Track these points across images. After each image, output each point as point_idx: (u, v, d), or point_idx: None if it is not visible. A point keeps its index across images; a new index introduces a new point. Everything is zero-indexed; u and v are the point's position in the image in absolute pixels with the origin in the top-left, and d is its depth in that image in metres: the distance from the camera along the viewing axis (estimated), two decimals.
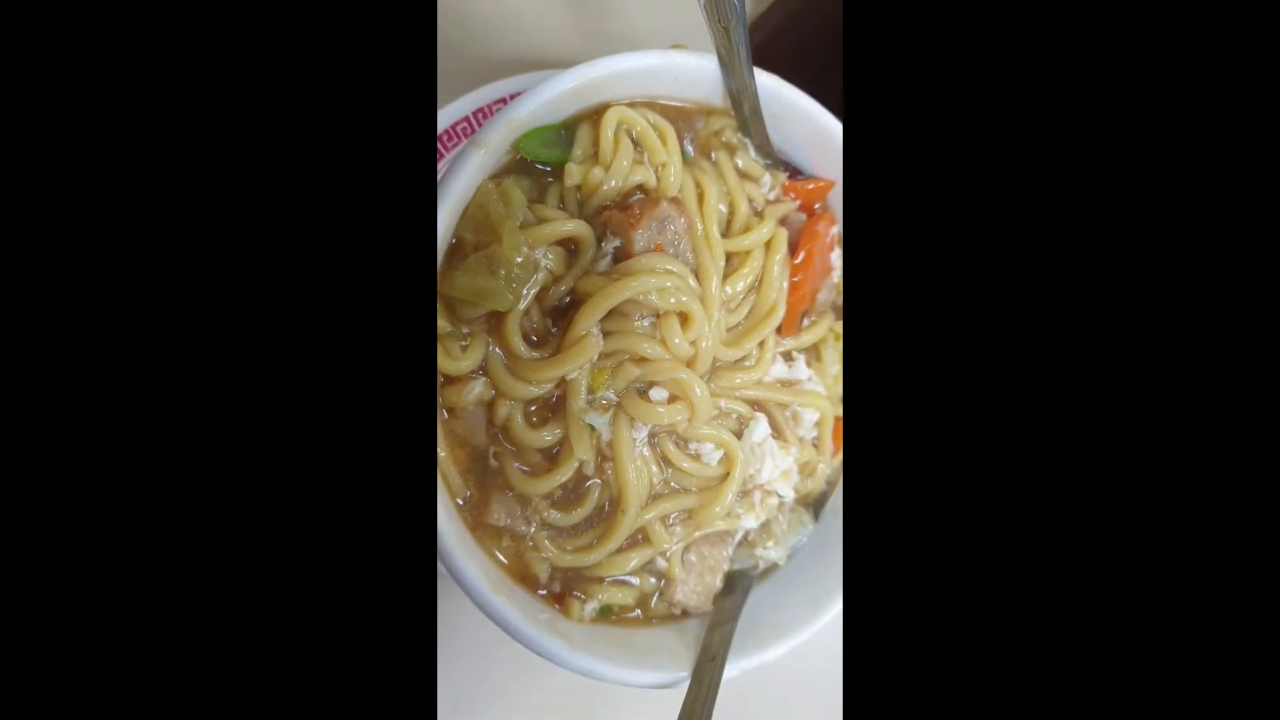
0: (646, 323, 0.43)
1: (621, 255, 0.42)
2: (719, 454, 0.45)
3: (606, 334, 0.42)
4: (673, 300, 0.42)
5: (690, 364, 0.43)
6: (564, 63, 0.62)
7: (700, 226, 0.45)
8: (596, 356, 0.42)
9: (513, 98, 0.57)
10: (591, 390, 0.42)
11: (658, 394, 0.43)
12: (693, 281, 0.43)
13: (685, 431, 0.44)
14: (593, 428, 0.42)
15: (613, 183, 0.43)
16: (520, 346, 0.41)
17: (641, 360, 0.42)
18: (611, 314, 0.42)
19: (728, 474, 0.45)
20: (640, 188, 0.44)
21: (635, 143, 0.44)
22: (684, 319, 0.43)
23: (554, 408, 0.43)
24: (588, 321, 0.41)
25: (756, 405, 0.48)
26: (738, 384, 0.46)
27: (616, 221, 0.42)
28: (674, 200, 0.43)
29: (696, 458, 0.45)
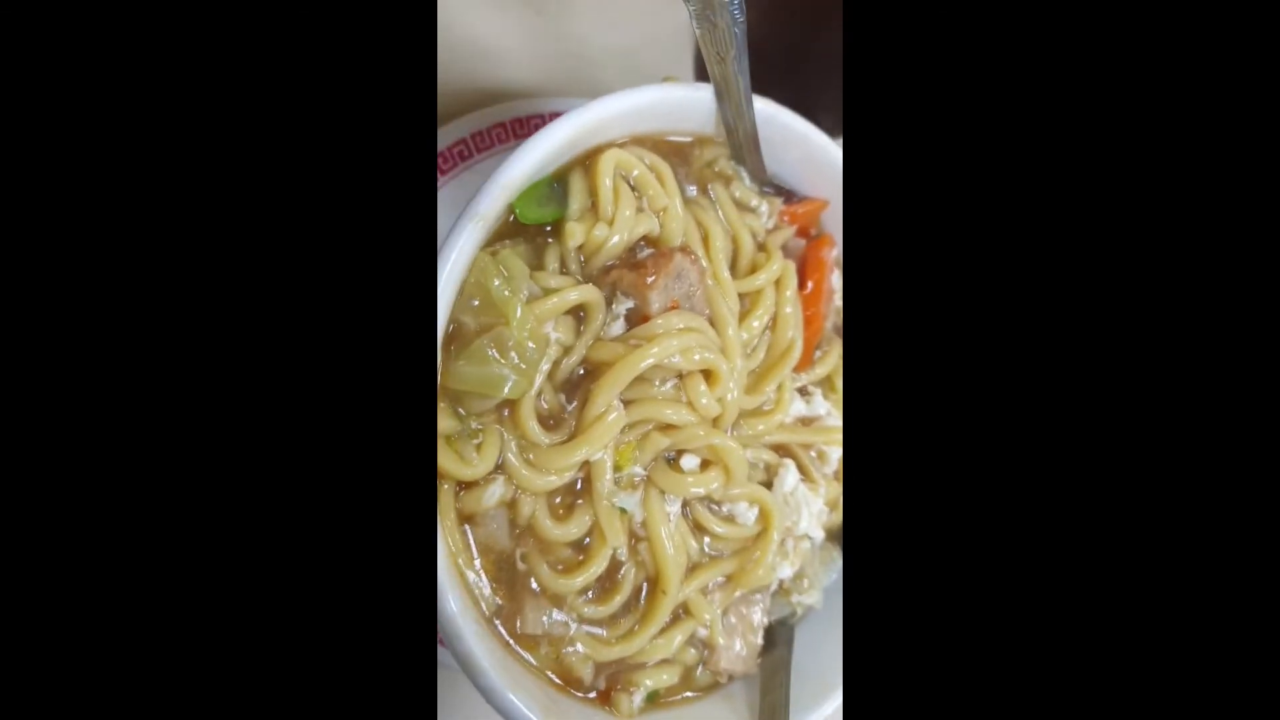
0: (669, 385, 0.39)
1: (635, 317, 0.39)
2: (754, 511, 0.43)
3: (627, 403, 0.38)
4: (697, 358, 0.38)
5: (717, 422, 0.40)
6: (523, 90, 0.57)
7: (709, 270, 0.41)
8: (619, 431, 0.38)
9: (475, 136, 0.52)
10: (617, 469, 0.38)
11: (689, 462, 0.40)
12: (711, 333, 0.40)
13: (718, 495, 0.41)
14: (623, 510, 0.39)
15: (618, 238, 0.38)
16: (537, 433, 0.37)
17: (669, 428, 0.39)
18: (637, 381, 0.38)
19: (765, 530, 0.43)
20: (645, 239, 0.40)
21: (633, 187, 0.40)
22: (708, 375, 0.39)
23: (579, 493, 0.39)
24: (608, 396, 0.37)
25: (781, 450, 0.45)
26: (760, 431, 0.43)
27: (629, 282, 0.38)
28: (684, 249, 0.40)
29: (731, 519, 0.43)
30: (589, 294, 0.38)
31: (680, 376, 0.39)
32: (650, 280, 0.37)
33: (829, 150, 0.45)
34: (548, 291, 0.37)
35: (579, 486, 0.39)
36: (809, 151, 0.45)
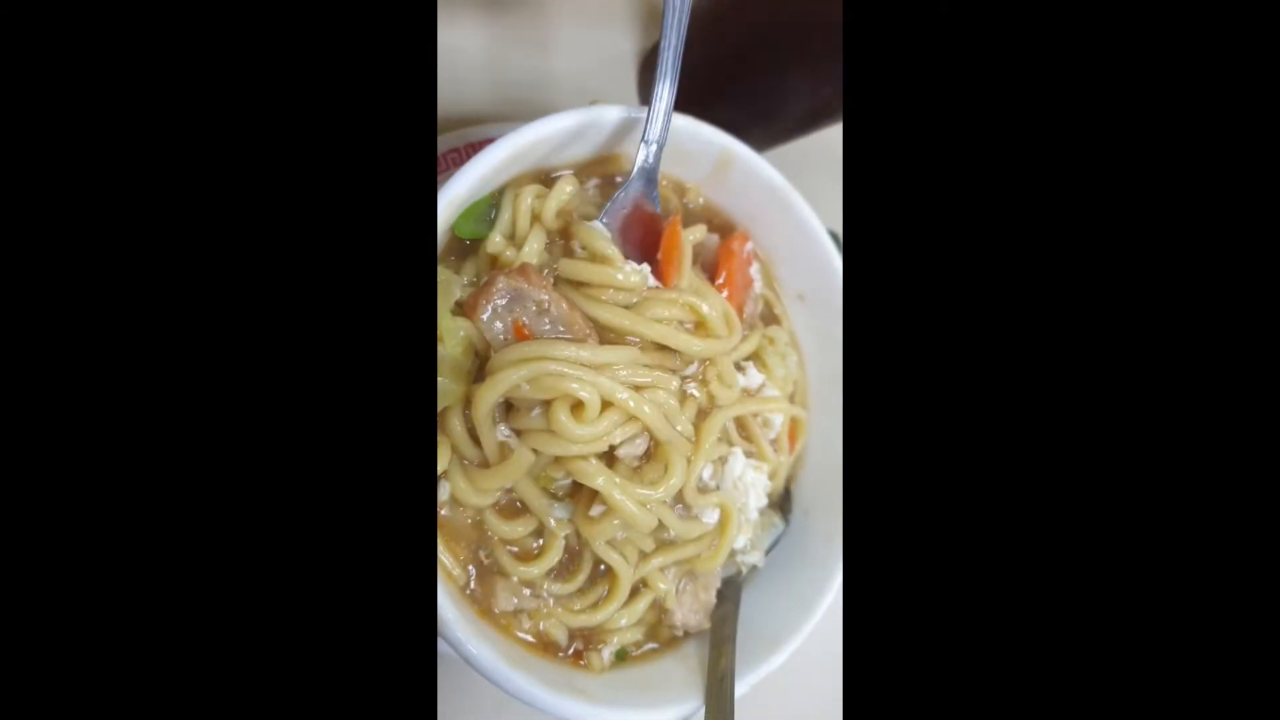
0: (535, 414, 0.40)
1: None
2: (716, 513, 0.46)
3: (520, 433, 0.40)
4: (575, 385, 0.37)
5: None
6: (476, 116, 0.61)
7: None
8: (529, 462, 0.40)
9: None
10: (545, 488, 0.43)
11: (627, 450, 0.42)
12: (584, 351, 0.39)
13: (690, 500, 0.44)
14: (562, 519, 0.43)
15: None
16: (467, 445, 0.41)
17: (559, 461, 0.40)
18: (515, 412, 0.40)
19: (725, 526, 0.46)
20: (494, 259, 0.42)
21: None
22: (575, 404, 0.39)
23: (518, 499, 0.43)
24: (491, 436, 0.40)
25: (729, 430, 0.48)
26: (724, 403, 0.45)
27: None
28: (520, 270, 0.39)
29: (697, 519, 0.46)
30: None
31: (546, 404, 0.39)
32: (472, 302, 0.39)
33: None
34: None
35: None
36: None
